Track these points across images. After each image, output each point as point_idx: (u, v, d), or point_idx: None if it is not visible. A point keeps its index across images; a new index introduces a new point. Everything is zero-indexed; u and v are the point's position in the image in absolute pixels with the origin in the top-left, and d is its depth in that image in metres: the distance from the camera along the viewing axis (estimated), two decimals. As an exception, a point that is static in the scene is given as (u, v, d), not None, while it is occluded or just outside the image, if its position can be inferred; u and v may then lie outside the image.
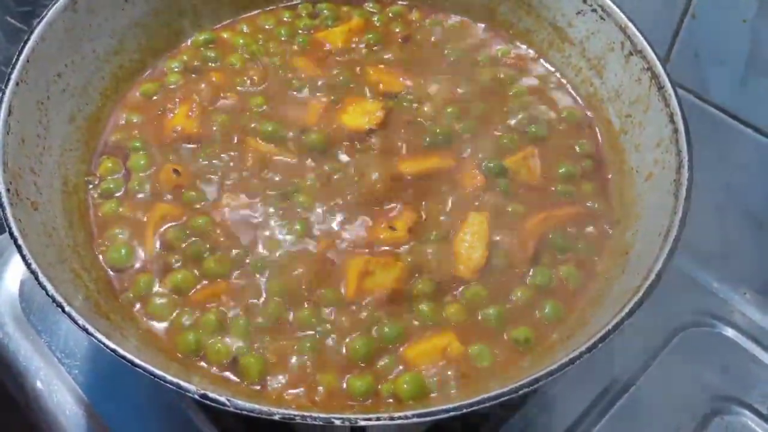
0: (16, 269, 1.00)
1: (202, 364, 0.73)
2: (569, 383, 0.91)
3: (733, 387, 0.93)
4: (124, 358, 0.61)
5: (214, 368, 0.72)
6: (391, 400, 0.70)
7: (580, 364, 0.63)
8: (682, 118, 0.78)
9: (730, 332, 0.98)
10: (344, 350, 0.73)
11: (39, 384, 0.90)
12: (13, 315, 0.96)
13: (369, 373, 0.72)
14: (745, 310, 1.00)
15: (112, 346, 0.61)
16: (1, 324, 0.95)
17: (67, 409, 0.88)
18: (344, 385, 0.71)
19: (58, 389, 0.89)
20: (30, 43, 0.80)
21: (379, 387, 0.71)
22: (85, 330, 0.62)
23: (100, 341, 0.62)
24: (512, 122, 0.93)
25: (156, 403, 0.87)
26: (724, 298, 1.01)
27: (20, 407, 0.92)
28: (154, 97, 0.94)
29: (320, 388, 0.71)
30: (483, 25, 1.04)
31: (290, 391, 0.71)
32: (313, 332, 0.74)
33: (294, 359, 0.73)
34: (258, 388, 0.71)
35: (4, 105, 0.75)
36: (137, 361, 0.60)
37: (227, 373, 0.72)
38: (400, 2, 1.07)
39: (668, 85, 0.81)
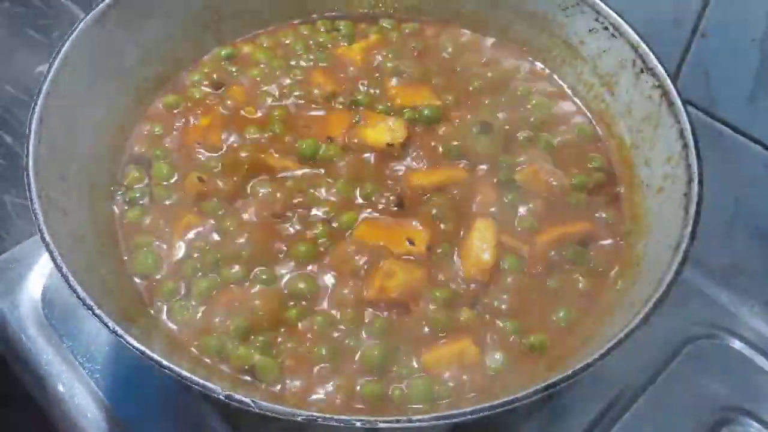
0: (38, 275, 1.02)
1: (224, 367, 0.75)
2: (579, 393, 0.93)
3: (741, 398, 0.94)
4: (152, 359, 0.63)
5: (235, 372, 0.74)
6: (408, 405, 0.72)
7: (591, 372, 0.65)
8: (692, 134, 0.80)
9: (737, 345, 0.99)
10: (360, 356, 0.75)
11: (61, 387, 0.92)
12: (36, 320, 0.98)
13: (384, 379, 0.74)
14: (752, 323, 1.01)
15: (142, 348, 0.63)
16: (24, 328, 0.97)
17: (89, 412, 0.90)
18: (358, 389, 0.73)
19: (79, 393, 0.91)
20: (61, 56, 0.82)
21: (390, 392, 0.73)
22: (115, 332, 0.64)
23: (129, 343, 0.64)
24: (524, 136, 0.95)
25: (176, 407, 0.89)
26: (732, 311, 1.02)
27: (42, 410, 0.94)
28: (177, 109, 0.96)
29: (337, 393, 0.73)
30: (497, 42, 1.06)
31: (307, 394, 0.73)
32: (330, 336, 0.76)
33: (310, 363, 0.75)
34: (276, 390, 0.73)
35: (36, 114, 0.78)
36: (165, 362, 0.62)
37: (247, 377, 0.74)
38: (415, 19, 1.10)
39: (678, 102, 0.83)
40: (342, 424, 0.61)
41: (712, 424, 0.93)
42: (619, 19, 0.91)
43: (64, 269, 0.67)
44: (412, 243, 0.82)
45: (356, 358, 0.75)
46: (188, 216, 0.84)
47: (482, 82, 1.00)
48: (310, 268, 0.81)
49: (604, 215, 0.88)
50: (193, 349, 0.75)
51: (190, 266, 0.80)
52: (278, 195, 0.85)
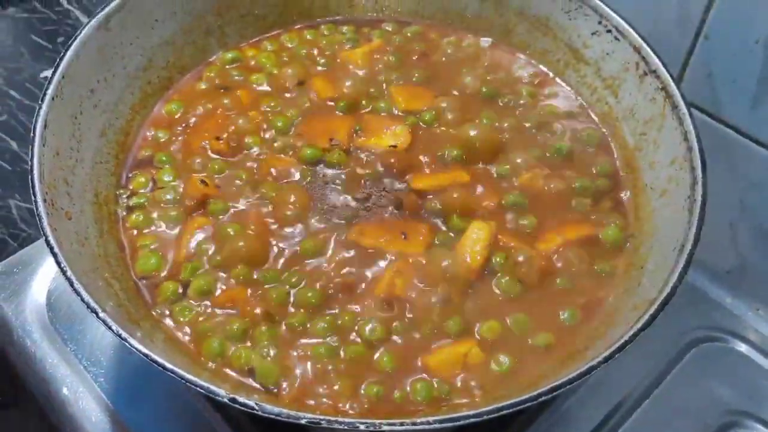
0: (43, 279, 1.02)
1: (226, 369, 0.75)
2: (583, 396, 0.93)
3: (747, 402, 0.94)
4: (156, 363, 0.63)
5: (236, 374, 0.74)
6: (412, 408, 0.72)
7: (595, 375, 0.65)
8: (696, 137, 0.80)
9: (743, 348, 0.99)
10: (368, 359, 0.75)
11: (65, 391, 0.92)
12: (41, 324, 0.98)
13: (388, 381, 0.74)
14: (758, 326, 1.01)
15: (145, 351, 0.63)
16: (28, 332, 0.97)
17: (93, 416, 0.90)
18: (361, 392, 0.73)
19: (83, 396, 0.91)
20: (65, 60, 0.83)
21: (393, 395, 0.73)
22: (119, 335, 0.64)
23: (133, 346, 0.64)
24: (526, 139, 0.95)
25: (180, 410, 0.89)
26: (737, 314, 1.02)
27: (46, 414, 0.94)
28: (181, 113, 0.96)
29: (340, 395, 0.73)
30: (499, 46, 1.06)
31: (310, 396, 0.73)
32: (330, 339, 0.76)
33: (312, 365, 0.75)
34: (276, 392, 0.73)
35: (41, 119, 0.78)
36: (169, 365, 0.62)
37: (248, 379, 0.74)
38: (417, 23, 1.10)
39: (682, 105, 0.83)
40: (346, 427, 0.61)
41: (717, 428, 0.92)
42: (623, 22, 0.91)
43: (68, 272, 0.67)
44: (409, 242, 0.82)
45: (362, 361, 0.75)
46: (191, 219, 0.85)
47: (485, 86, 1.00)
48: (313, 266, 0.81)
49: (608, 218, 0.88)
50: (196, 351, 0.75)
51: (193, 268, 0.80)
52: (285, 197, 0.86)
